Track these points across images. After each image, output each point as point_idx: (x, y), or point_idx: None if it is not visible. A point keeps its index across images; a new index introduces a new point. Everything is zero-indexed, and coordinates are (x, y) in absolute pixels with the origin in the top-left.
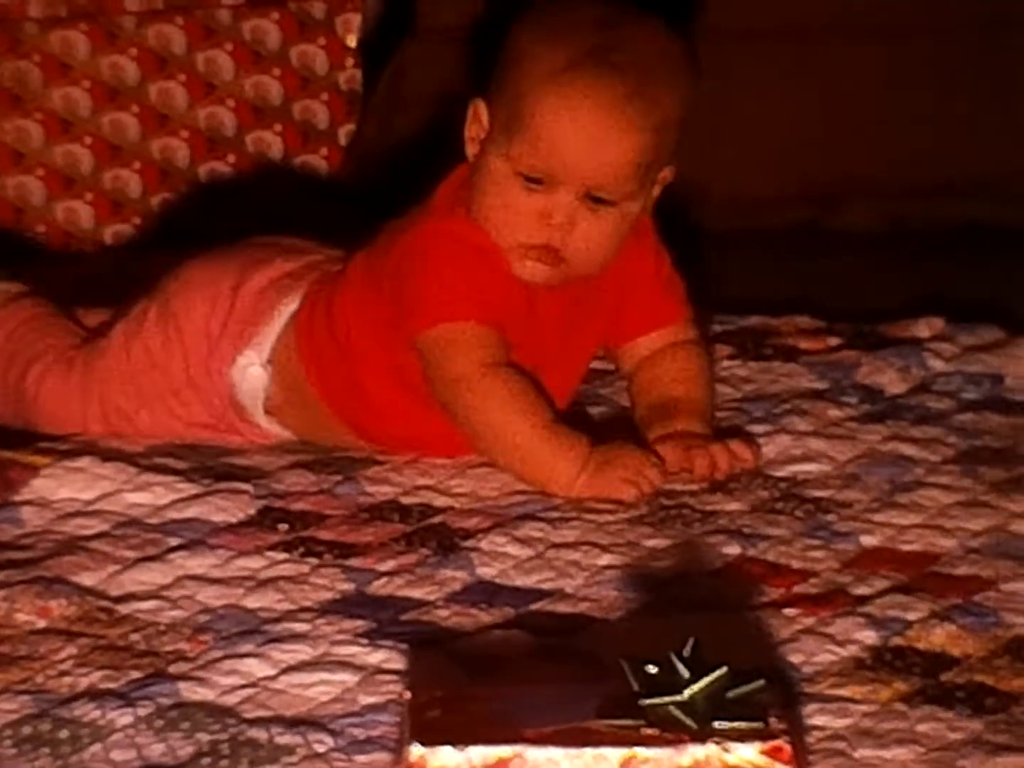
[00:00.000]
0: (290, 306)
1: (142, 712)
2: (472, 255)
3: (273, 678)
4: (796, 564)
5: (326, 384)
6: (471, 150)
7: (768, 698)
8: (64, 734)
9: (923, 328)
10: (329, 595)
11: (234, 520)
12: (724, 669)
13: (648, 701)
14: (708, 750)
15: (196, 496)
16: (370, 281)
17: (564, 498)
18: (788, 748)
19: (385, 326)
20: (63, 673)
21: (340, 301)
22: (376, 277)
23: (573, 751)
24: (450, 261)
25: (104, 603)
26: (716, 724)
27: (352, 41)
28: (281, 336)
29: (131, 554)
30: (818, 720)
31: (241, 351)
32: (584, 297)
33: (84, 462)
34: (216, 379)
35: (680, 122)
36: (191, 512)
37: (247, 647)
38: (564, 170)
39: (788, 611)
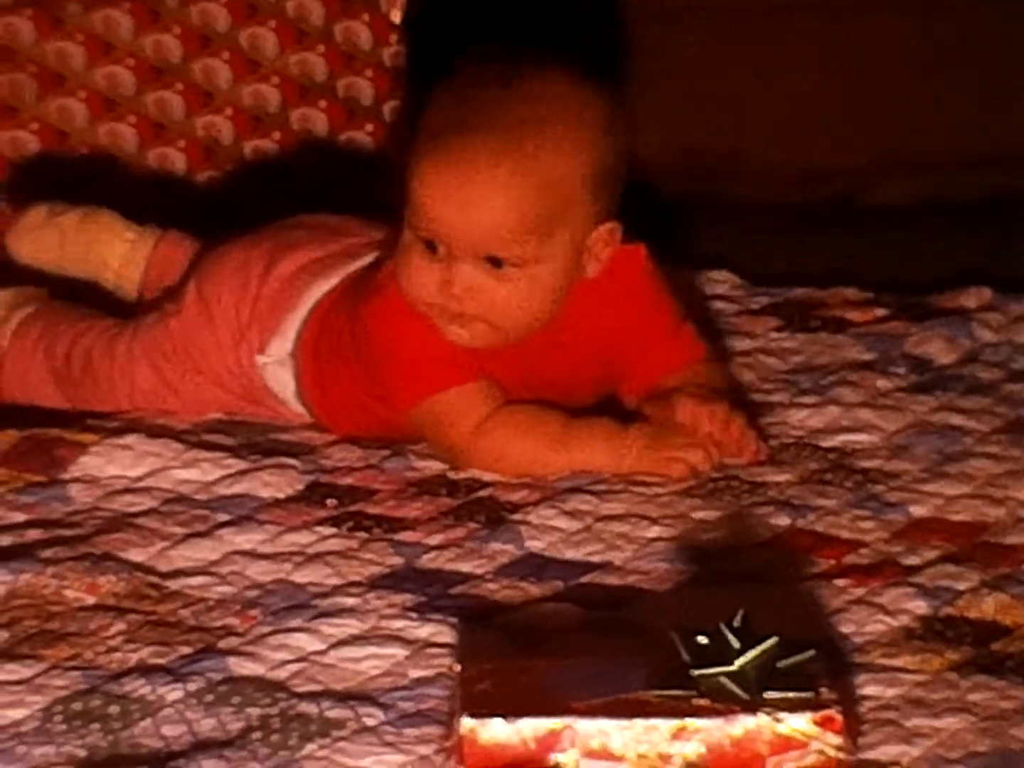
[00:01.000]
0: (316, 295)
1: (192, 687)
2: (417, 324)
3: (323, 652)
4: (845, 535)
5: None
6: None
7: (818, 668)
8: (114, 710)
9: (971, 298)
10: (378, 569)
11: (282, 496)
12: (774, 640)
13: (698, 672)
14: (759, 720)
15: (244, 472)
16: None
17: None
18: (839, 718)
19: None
20: (112, 649)
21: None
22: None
23: (624, 722)
24: (402, 337)
25: (153, 579)
26: (767, 694)
27: (396, 17)
28: (305, 325)
29: (179, 530)
30: (869, 690)
31: (268, 341)
32: (552, 356)
33: (131, 439)
34: (247, 368)
35: (594, 177)
36: (239, 488)
37: (296, 622)
38: (448, 234)
39: (838, 582)
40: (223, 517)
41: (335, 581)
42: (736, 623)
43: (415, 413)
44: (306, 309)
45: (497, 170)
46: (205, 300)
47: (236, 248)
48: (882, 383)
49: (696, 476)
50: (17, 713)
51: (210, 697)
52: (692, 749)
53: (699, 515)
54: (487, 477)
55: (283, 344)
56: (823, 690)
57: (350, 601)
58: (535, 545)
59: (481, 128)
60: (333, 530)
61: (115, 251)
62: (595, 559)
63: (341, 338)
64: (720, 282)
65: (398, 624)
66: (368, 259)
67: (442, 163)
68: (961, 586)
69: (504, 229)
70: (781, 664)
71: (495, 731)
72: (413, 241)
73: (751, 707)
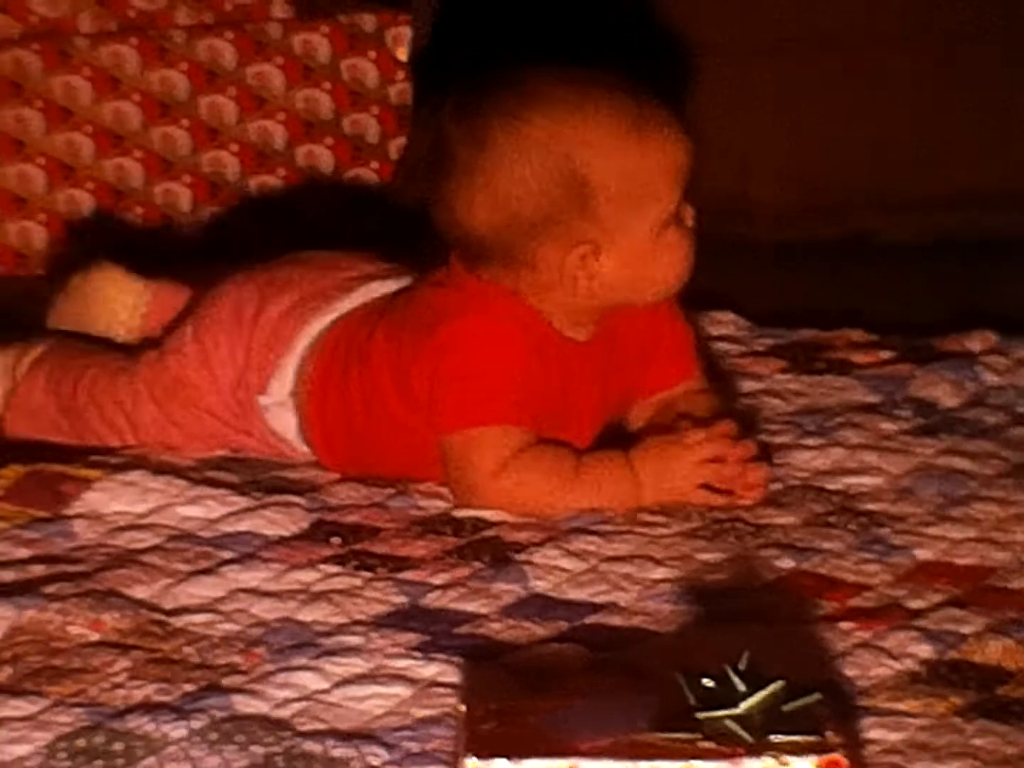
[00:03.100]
0: (310, 334)
1: (196, 725)
2: (504, 353)
3: (327, 691)
4: (850, 578)
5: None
6: None
7: (824, 712)
8: (118, 747)
9: (976, 342)
10: (383, 608)
11: (287, 533)
12: (780, 683)
13: (704, 714)
14: (764, 763)
15: (248, 509)
16: (393, 364)
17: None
18: (844, 761)
19: (404, 411)
20: (117, 686)
21: (359, 372)
22: (403, 362)
23: (628, 764)
24: (482, 362)
25: (157, 616)
26: (772, 738)
27: (402, 55)
28: (303, 364)
29: (184, 567)
30: (874, 734)
31: (267, 383)
32: (611, 353)
33: (136, 475)
34: (248, 409)
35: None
36: (243, 525)
37: (301, 660)
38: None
39: (843, 625)
40: (227, 554)
41: (340, 620)
42: (741, 666)
43: (450, 439)
44: (301, 348)
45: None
46: (201, 343)
47: (229, 289)
48: (887, 426)
49: (712, 500)
50: (21, 749)
51: (214, 735)
52: None
53: (704, 557)
54: (492, 517)
55: (282, 385)
56: (828, 734)
57: (355, 640)
58: (540, 585)
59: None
60: (338, 568)
61: (121, 305)
62: (600, 600)
63: (363, 368)
64: (725, 323)
65: (403, 663)
66: (359, 294)
67: (668, 126)
68: (966, 630)
69: None
70: (787, 707)
71: None
72: (664, 222)
73: (756, 750)
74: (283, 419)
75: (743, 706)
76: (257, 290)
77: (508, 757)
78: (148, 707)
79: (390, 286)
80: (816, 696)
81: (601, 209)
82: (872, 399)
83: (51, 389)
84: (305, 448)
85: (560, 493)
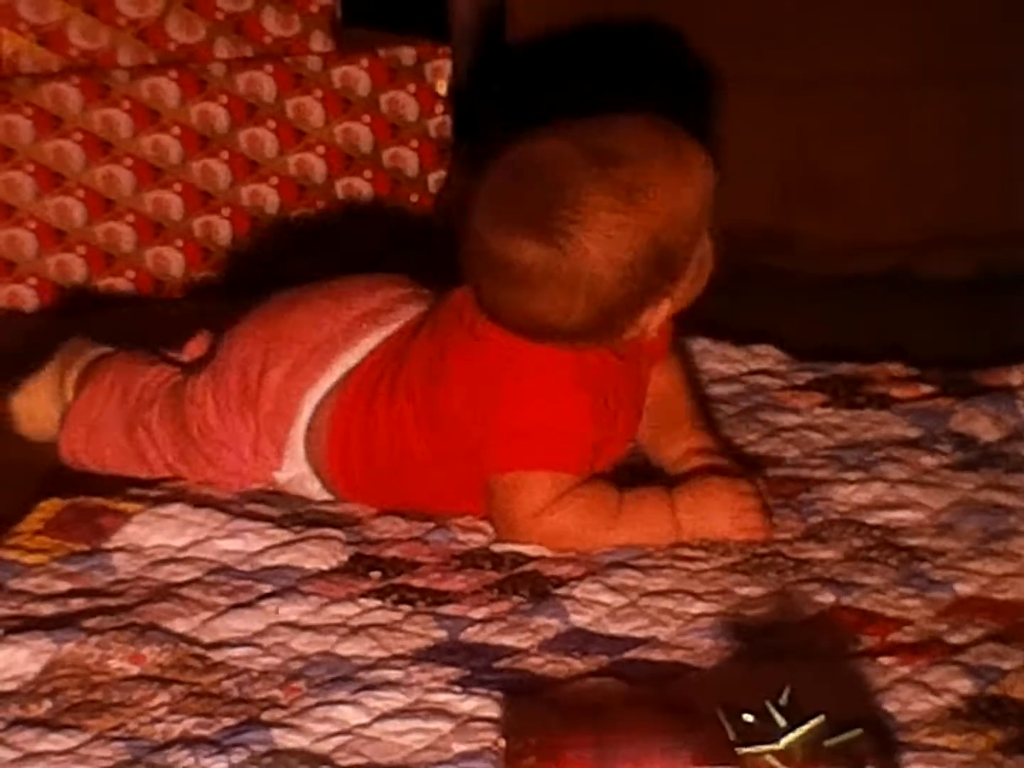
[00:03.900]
0: (312, 401)
1: (236, 759)
2: (573, 402)
3: (367, 725)
4: (891, 612)
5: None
6: None
7: (865, 747)
8: None
9: (1016, 376)
10: (422, 642)
11: (326, 567)
12: (821, 718)
13: (745, 750)
14: None
15: (288, 543)
16: (428, 411)
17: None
18: None
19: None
20: (156, 720)
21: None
22: (444, 395)
23: None
24: (549, 407)
25: (197, 650)
26: None
27: (442, 88)
28: (311, 430)
29: (223, 601)
30: None
31: (281, 456)
32: (642, 358)
33: (175, 508)
34: (268, 475)
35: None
36: (283, 559)
37: (341, 694)
38: None
39: (883, 660)
40: (267, 588)
41: (379, 654)
42: (782, 701)
43: (499, 478)
44: (306, 417)
45: None
46: (219, 405)
47: (237, 344)
48: (927, 460)
49: (757, 535)
50: None
51: None
52: None
53: (744, 591)
54: (531, 551)
55: (295, 456)
56: None
57: (394, 674)
58: (580, 620)
59: None
60: (377, 602)
61: (51, 423)
62: (640, 634)
63: (390, 418)
64: (764, 356)
65: (442, 698)
66: (366, 343)
67: (702, 158)
68: (1006, 665)
69: None
70: (828, 743)
71: None
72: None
73: None
74: (304, 485)
75: (784, 741)
76: (261, 347)
77: None
78: (188, 741)
79: (402, 315)
80: (857, 731)
81: (679, 265)
82: (912, 433)
83: (117, 397)
84: (330, 497)
85: (601, 532)
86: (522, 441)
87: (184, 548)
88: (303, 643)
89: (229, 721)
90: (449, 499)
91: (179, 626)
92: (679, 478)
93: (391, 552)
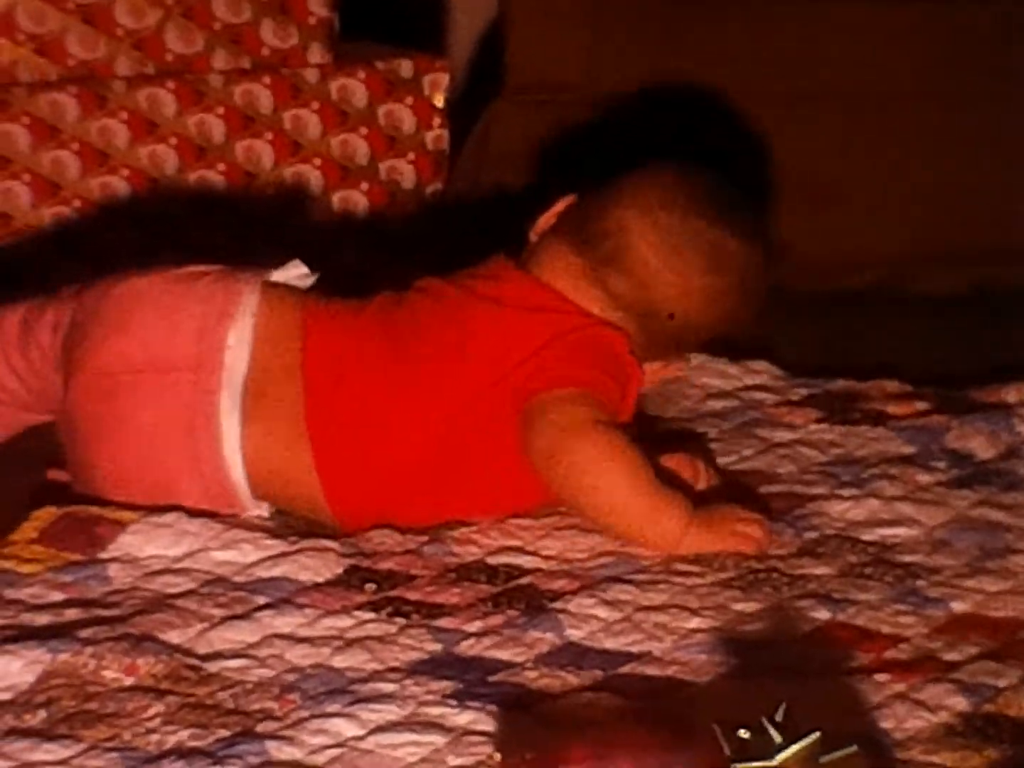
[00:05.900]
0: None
1: None
2: (629, 361)
3: (361, 738)
4: (886, 629)
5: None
6: None
7: (860, 764)
8: None
9: (1011, 393)
10: (417, 655)
11: (321, 579)
12: (817, 734)
13: (740, 766)
14: None
15: (283, 554)
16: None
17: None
18: None
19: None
20: (151, 731)
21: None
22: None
23: None
24: (611, 367)
25: (192, 661)
26: None
27: (439, 101)
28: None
29: (218, 612)
30: None
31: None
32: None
33: (170, 518)
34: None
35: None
36: (278, 571)
37: (335, 707)
38: None
39: (878, 677)
40: (262, 599)
41: (374, 666)
42: (778, 717)
43: (553, 393)
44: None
45: None
46: None
47: None
48: (923, 477)
49: (761, 550)
50: None
51: None
52: None
53: (739, 607)
54: (527, 564)
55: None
56: None
57: (389, 687)
58: (575, 634)
59: None
60: (372, 615)
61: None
62: (635, 649)
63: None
64: (760, 372)
65: (437, 711)
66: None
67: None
68: (1002, 683)
69: None
70: (824, 759)
71: None
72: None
73: None
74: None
75: (779, 758)
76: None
77: None
78: (182, 752)
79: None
80: (852, 748)
81: (701, 340)
82: (907, 450)
83: None
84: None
85: (625, 483)
86: (588, 373)
87: (179, 559)
88: (298, 655)
89: (223, 732)
90: (449, 499)
91: (174, 637)
92: None
93: (386, 565)
